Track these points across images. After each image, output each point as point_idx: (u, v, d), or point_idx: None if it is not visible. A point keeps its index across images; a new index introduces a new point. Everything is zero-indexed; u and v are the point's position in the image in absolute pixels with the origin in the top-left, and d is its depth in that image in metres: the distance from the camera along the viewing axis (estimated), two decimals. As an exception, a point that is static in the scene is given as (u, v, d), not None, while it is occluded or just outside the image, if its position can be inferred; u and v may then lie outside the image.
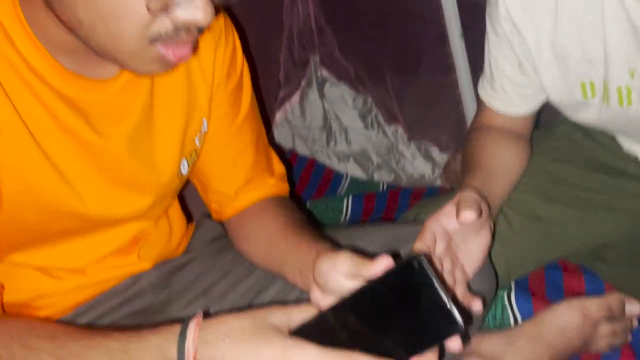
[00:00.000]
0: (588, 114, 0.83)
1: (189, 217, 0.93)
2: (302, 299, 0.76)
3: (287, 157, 1.49)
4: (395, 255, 0.48)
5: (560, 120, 0.99)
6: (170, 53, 0.54)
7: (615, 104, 0.78)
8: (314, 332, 0.48)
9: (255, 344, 0.48)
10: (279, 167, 0.87)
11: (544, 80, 0.82)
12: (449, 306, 0.43)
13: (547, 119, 1.02)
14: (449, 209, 0.65)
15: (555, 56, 0.79)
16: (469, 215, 0.61)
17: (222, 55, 0.72)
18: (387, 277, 0.46)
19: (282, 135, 1.55)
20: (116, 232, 0.72)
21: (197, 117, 0.73)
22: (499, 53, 0.85)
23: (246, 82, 0.79)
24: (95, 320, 0.74)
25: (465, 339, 0.46)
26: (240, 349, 0.48)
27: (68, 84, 0.60)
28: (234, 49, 0.75)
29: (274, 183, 0.84)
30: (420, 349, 0.46)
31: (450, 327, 0.43)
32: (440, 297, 0.43)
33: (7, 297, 0.67)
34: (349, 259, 0.51)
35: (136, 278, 0.78)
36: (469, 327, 0.44)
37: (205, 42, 0.70)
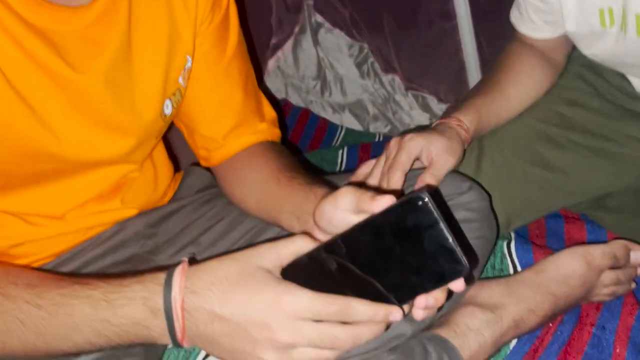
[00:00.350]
0: (604, 45, 0.80)
1: (177, 166, 0.89)
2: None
3: (280, 107, 1.44)
4: (400, 194, 0.44)
5: (571, 58, 0.94)
6: None
7: (633, 33, 0.75)
8: (306, 271, 0.45)
9: (246, 291, 0.45)
10: (269, 111, 0.83)
11: (564, 5, 0.80)
12: (454, 247, 0.39)
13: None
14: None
15: None
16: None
17: None
18: (387, 215, 0.42)
19: (274, 85, 1.49)
20: (97, 176, 0.68)
21: (181, 54, 0.69)
22: None
23: (233, 19, 0.75)
24: (78, 269, 0.71)
25: (470, 280, 0.42)
26: (230, 297, 0.45)
27: (38, 13, 0.55)
28: None
29: (265, 128, 0.80)
30: (421, 292, 0.43)
31: (454, 270, 0.40)
32: (445, 237, 0.39)
33: None
34: (351, 193, 0.48)
35: (121, 225, 0.75)
36: (473, 269, 0.40)
37: None
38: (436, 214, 0.39)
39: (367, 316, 0.44)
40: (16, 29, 0.54)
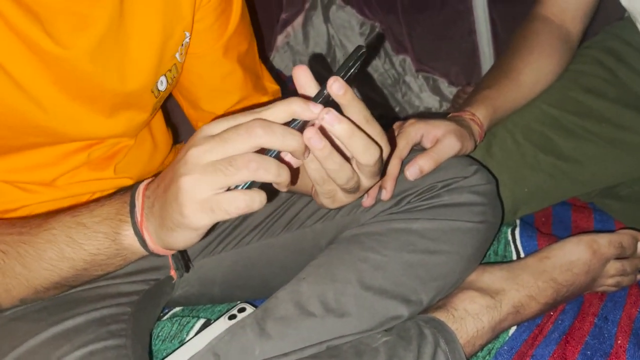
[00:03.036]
0: None
1: (176, 136, 0.87)
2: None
3: (287, 85, 1.42)
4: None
5: (590, 44, 0.92)
6: None
7: None
8: None
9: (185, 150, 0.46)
10: (272, 85, 0.81)
11: None
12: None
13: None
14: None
15: None
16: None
17: None
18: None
19: (282, 61, 1.47)
20: (86, 145, 0.67)
21: (179, 30, 0.66)
22: None
23: None
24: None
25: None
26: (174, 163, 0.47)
27: None
28: None
29: (268, 101, 0.78)
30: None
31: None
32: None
33: None
34: None
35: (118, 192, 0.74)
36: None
37: None
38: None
39: (279, 111, 0.44)
40: (0, 2, 0.52)
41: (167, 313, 0.78)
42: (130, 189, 0.53)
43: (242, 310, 0.73)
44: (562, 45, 0.86)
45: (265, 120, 0.44)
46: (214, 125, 0.45)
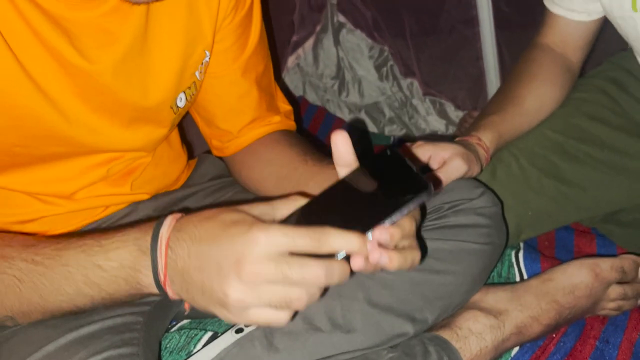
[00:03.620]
0: (635, 31, 0.79)
1: (190, 152, 0.90)
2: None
3: (297, 104, 1.45)
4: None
5: (594, 73, 0.94)
6: None
7: None
8: (298, 220, 0.48)
9: (222, 224, 0.46)
10: (284, 105, 0.83)
11: None
12: (417, 172, 0.48)
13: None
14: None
15: None
16: None
17: None
18: (365, 165, 0.51)
19: (292, 82, 1.50)
20: (105, 158, 0.68)
21: (200, 49, 0.68)
22: None
23: (256, 15, 0.74)
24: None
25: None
26: (207, 228, 0.46)
27: (53, 0, 0.55)
28: None
29: (280, 120, 0.81)
30: (396, 210, 0.47)
31: (420, 188, 0.47)
32: (411, 169, 0.49)
33: None
34: None
35: (132, 207, 0.76)
36: (436, 190, 0.51)
37: None
38: (403, 156, 0.50)
39: (341, 243, 0.45)
40: (31, 14, 0.54)
41: (175, 325, 0.79)
42: (142, 225, 0.51)
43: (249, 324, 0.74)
44: (564, 73, 0.89)
45: (328, 265, 0.44)
46: (273, 240, 0.44)
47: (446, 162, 0.72)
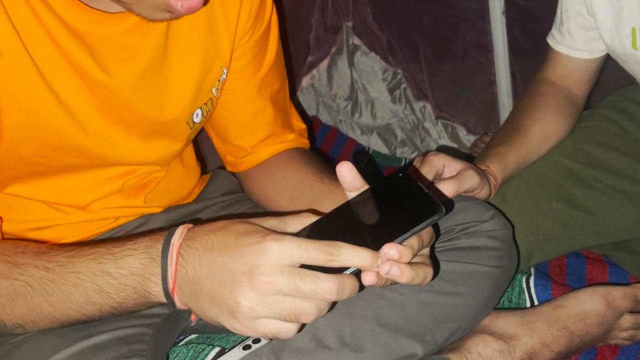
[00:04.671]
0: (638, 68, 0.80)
1: (204, 166, 0.91)
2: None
3: (311, 124, 1.46)
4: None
5: (601, 105, 0.95)
6: (179, 3, 0.51)
7: None
8: (309, 236, 0.48)
9: (235, 233, 0.47)
10: (299, 124, 0.84)
11: (600, 20, 0.81)
12: (429, 193, 0.50)
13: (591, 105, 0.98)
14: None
15: (611, 0, 0.79)
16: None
17: (248, 5, 0.69)
18: (377, 186, 0.52)
19: (306, 102, 1.51)
20: (121, 171, 0.69)
21: (217, 67, 0.70)
22: None
23: (273, 33, 0.76)
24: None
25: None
26: (220, 237, 0.47)
27: (77, 15, 0.57)
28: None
29: (294, 137, 0.81)
30: (407, 230, 0.48)
31: (432, 210, 0.48)
32: (422, 190, 0.50)
33: (9, 227, 0.66)
34: None
35: (145, 219, 0.76)
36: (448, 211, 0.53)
37: None
38: (415, 179, 0.51)
39: (353, 258, 0.45)
40: (54, 26, 0.56)
41: (183, 339, 0.79)
42: (154, 234, 0.51)
43: (256, 341, 0.74)
44: (568, 105, 0.90)
45: (340, 279, 0.44)
46: (286, 251, 0.44)
47: (460, 172, 0.73)
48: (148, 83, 0.64)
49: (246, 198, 0.83)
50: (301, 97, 1.50)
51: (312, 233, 0.49)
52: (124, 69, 0.61)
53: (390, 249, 0.46)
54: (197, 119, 0.71)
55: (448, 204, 0.58)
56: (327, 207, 0.67)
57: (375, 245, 0.47)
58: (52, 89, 0.57)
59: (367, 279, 0.45)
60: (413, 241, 0.48)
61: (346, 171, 0.51)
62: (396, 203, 0.51)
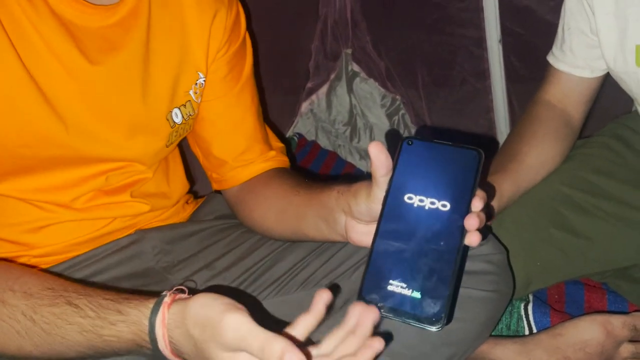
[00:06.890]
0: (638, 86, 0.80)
1: (192, 187, 0.91)
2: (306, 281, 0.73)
3: (308, 149, 1.46)
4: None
5: (599, 133, 0.95)
6: None
7: None
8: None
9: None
10: (276, 143, 0.86)
11: (602, 38, 0.81)
12: (454, 145, 0.50)
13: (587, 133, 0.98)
14: None
15: (617, 17, 0.79)
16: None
17: (222, 21, 0.73)
18: (401, 165, 0.52)
19: (305, 127, 1.52)
20: (104, 170, 0.70)
21: (191, 69, 0.73)
22: (572, 12, 0.85)
23: (249, 47, 0.80)
24: (91, 276, 0.71)
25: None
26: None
27: (67, 7, 0.60)
28: (237, 17, 0.76)
29: (274, 155, 0.82)
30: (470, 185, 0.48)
31: (472, 156, 0.48)
32: (447, 145, 0.50)
33: (4, 232, 0.67)
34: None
35: (139, 235, 0.76)
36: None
37: (205, 5, 0.72)
38: (430, 140, 0.52)
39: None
40: (40, 17, 0.58)
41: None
42: (135, 316, 0.51)
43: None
44: (565, 129, 0.89)
45: None
46: (243, 334, 0.45)
47: None
48: (131, 74, 0.67)
49: (239, 224, 0.82)
50: (300, 121, 1.50)
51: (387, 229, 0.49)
52: (108, 57, 0.64)
53: (479, 201, 0.48)
54: (177, 119, 0.73)
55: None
56: (311, 220, 0.68)
57: (459, 213, 0.47)
58: (33, 79, 0.59)
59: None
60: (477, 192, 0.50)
61: (378, 151, 0.51)
62: (436, 170, 0.48)
